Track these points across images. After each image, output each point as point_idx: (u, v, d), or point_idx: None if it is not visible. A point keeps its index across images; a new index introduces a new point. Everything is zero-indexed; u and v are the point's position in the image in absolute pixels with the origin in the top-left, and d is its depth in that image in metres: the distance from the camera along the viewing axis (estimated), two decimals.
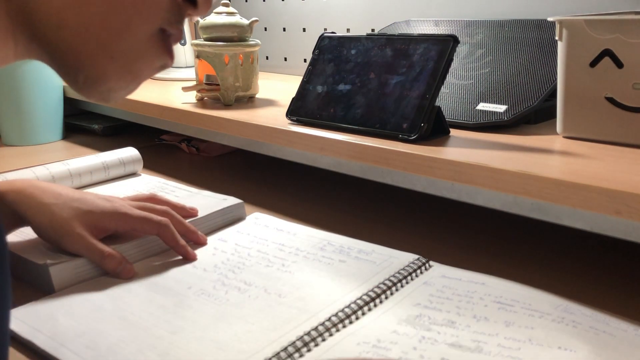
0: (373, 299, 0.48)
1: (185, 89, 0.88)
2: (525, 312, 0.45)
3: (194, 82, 0.90)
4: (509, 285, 0.50)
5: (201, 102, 0.88)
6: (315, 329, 0.43)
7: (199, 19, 0.85)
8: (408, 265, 0.53)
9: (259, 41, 0.86)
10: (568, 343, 0.41)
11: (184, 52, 1.28)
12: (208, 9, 0.46)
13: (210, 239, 0.62)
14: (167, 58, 0.46)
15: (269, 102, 0.87)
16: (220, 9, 0.85)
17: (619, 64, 0.55)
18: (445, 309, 0.46)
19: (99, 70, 0.42)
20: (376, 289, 0.49)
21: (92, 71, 0.42)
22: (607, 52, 0.56)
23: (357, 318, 0.46)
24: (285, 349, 0.41)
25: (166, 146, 1.07)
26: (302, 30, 1.21)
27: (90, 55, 0.41)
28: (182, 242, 0.57)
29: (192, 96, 0.91)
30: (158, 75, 1.21)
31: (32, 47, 0.41)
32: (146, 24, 0.42)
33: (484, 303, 0.47)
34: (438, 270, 0.53)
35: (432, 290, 0.49)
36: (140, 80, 0.46)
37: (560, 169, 0.51)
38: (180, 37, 0.46)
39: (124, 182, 0.82)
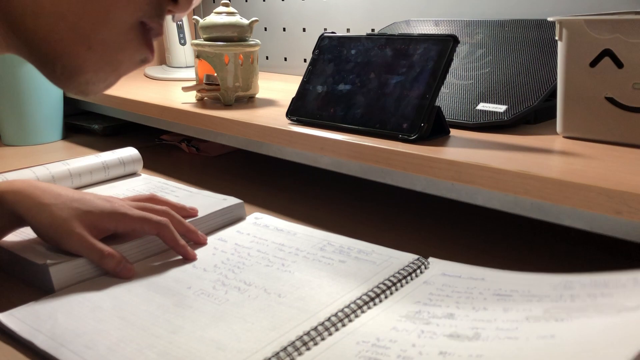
0: (372, 299, 0.48)
1: (185, 89, 0.88)
2: (524, 298, 0.45)
3: (194, 82, 0.90)
4: (508, 276, 0.49)
5: (201, 102, 0.88)
6: (315, 328, 0.43)
7: (198, 18, 0.85)
8: (408, 266, 0.53)
9: (259, 41, 0.86)
10: (565, 315, 0.40)
11: (184, 52, 1.28)
12: (189, 7, 0.45)
13: (210, 239, 0.62)
14: (147, 52, 0.45)
15: (269, 102, 0.87)
16: (220, 9, 0.85)
17: (619, 64, 0.55)
18: (444, 305, 0.46)
19: (76, 60, 0.41)
20: (376, 289, 0.49)
21: (69, 61, 0.41)
22: (607, 52, 0.56)
23: (356, 317, 0.46)
24: (284, 348, 0.41)
25: (166, 146, 1.07)
26: (302, 30, 1.21)
27: (67, 45, 0.41)
28: (182, 242, 0.57)
29: (192, 96, 0.91)
30: (158, 75, 1.21)
31: (10, 39, 0.41)
32: (125, 15, 0.42)
33: (483, 297, 0.46)
34: (437, 267, 0.53)
35: (432, 288, 0.49)
36: (119, 73, 0.45)
37: (560, 169, 0.51)
38: (160, 33, 0.46)
39: (124, 182, 0.82)
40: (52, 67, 0.42)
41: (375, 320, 0.45)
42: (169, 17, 0.48)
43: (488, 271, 0.51)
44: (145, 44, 0.45)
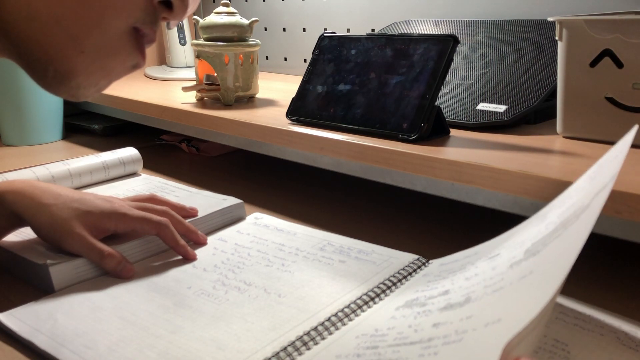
0: (372, 299, 0.48)
1: (185, 89, 0.88)
2: (510, 251, 0.43)
3: (194, 82, 0.90)
4: (498, 239, 0.48)
5: (201, 102, 0.88)
6: (315, 328, 0.43)
7: (198, 18, 0.85)
8: (408, 266, 0.53)
9: (259, 41, 0.86)
10: (541, 247, 0.39)
11: (184, 52, 1.28)
12: (184, 14, 0.45)
13: (210, 239, 0.62)
14: (139, 57, 0.45)
15: (269, 102, 0.87)
16: (220, 9, 0.85)
17: (619, 64, 0.55)
18: (440, 285, 0.46)
19: (68, 65, 0.41)
20: (376, 289, 0.49)
21: (61, 65, 0.41)
22: (607, 52, 0.56)
23: (356, 316, 0.46)
24: (284, 348, 0.41)
25: (166, 146, 1.07)
26: (302, 30, 1.21)
27: (60, 49, 0.40)
28: (182, 242, 0.57)
29: (192, 96, 0.91)
30: (158, 75, 1.21)
31: (1, 43, 0.41)
32: (119, 20, 0.42)
33: (474, 266, 0.46)
34: (437, 262, 0.53)
35: (430, 277, 0.49)
36: (110, 78, 0.45)
37: (560, 169, 0.51)
38: (154, 39, 0.45)
39: (124, 182, 0.82)
40: (44, 71, 0.42)
41: (375, 315, 0.45)
42: (163, 23, 0.48)
43: (481, 245, 0.50)
44: (137, 50, 0.45)
